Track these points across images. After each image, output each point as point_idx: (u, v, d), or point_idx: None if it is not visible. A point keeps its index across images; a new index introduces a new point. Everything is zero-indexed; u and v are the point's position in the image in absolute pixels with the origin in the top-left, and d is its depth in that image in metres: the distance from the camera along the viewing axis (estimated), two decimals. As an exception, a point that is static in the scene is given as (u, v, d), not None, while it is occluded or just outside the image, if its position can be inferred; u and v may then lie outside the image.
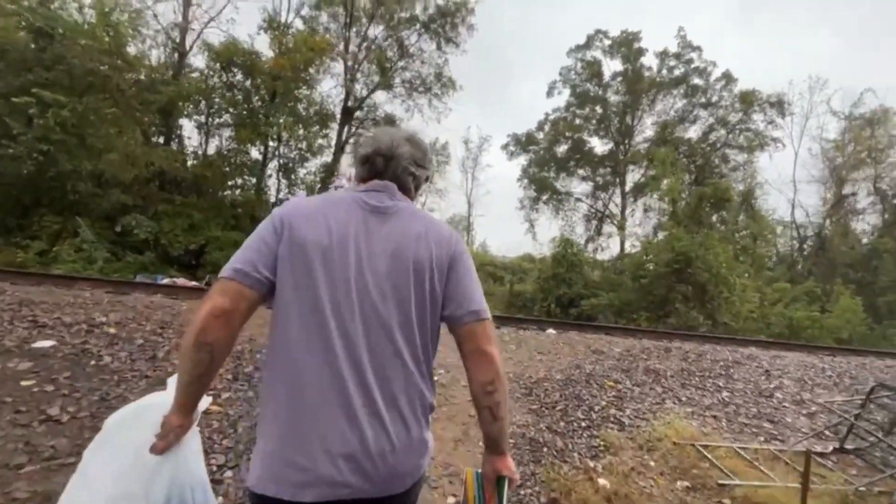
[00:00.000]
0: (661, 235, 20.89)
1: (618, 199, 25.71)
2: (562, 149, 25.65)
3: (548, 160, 24.78)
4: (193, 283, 11.25)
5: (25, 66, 11.62)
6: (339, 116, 18.90)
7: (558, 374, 5.06)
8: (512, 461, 1.20)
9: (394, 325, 1.08)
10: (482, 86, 55.27)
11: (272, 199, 16.88)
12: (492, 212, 61.80)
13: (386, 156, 1.24)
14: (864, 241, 21.76)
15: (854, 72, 43.49)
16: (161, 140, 15.75)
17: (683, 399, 4.92)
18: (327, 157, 18.59)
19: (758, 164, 21.83)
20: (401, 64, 19.05)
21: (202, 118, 16.24)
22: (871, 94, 22.38)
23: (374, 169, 1.25)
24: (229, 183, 16.38)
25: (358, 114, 19.39)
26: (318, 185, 17.82)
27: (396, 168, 1.24)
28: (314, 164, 18.37)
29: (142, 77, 14.29)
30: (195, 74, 15.94)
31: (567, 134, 24.97)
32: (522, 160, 25.81)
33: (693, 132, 23.44)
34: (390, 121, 19.28)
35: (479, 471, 1.23)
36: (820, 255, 20.25)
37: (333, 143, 18.86)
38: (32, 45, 11.81)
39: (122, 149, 12.71)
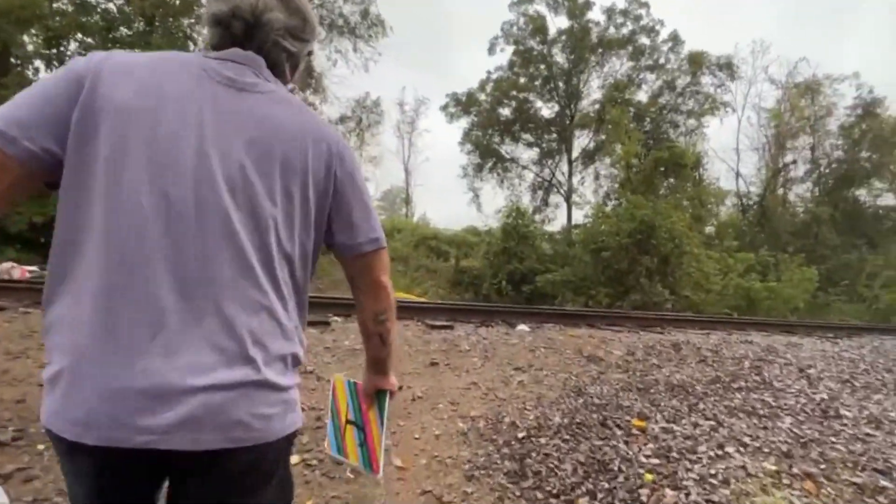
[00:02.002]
0: (611, 205, 19.95)
1: (565, 167, 24.57)
2: (506, 111, 23.87)
3: (491, 123, 22.88)
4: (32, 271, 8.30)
5: None
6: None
7: (556, 414, 3.18)
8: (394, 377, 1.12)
9: (245, 239, 0.79)
10: (418, 48, 52.05)
11: None
12: (432, 182, 59.42)
13: (247, 21, 0.88)
14: (802, 209, 22.18)
15: (791, 41, 45.27)
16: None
17: (745, 439, 3.23)
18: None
19: (708, 129, 21.28)
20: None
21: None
22: (805, 64, 22.55)
23: (229, 35, 0.90)
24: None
25: None
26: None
27: (264, 40, 0.91)
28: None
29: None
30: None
31: (511, 94, 23.14)
32: (464, 123, 23.82)
33: (642, 95, 22.49)
34: (307, 68, 16.31)
35: (352, 380, 1.16)
36: (764, 225, 20.26)
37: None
38: None
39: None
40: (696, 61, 21.39)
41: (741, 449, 3.10)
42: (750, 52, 26.58)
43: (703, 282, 14.37)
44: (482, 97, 23.76)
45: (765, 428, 3.46)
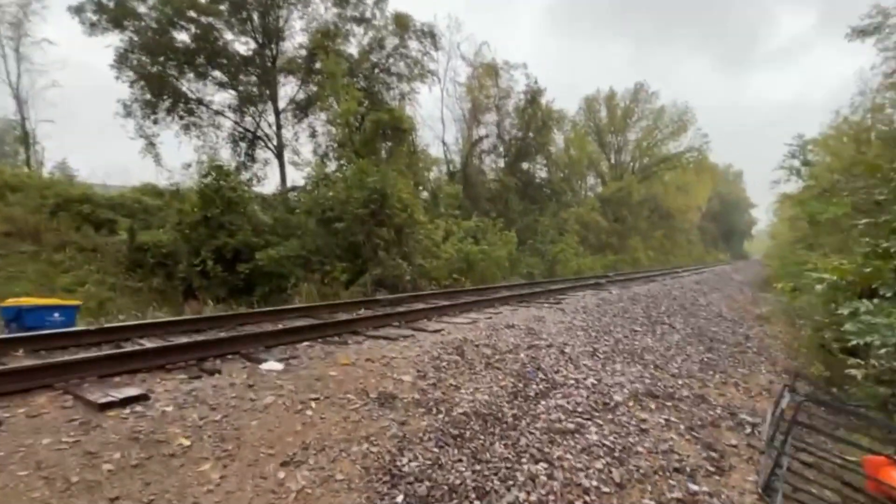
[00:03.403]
0: (332, 166, 19.16)
1: (271, 118, 22.12)
2: (183, 37, 19.16)
3: (162, 48, 18.01)
4: None
5: None
6: None
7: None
8: None
9: None
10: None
11: None
12: (72, 120, 44.58)
13: None
14: (492, 178, 26.79)
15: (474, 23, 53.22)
16: None
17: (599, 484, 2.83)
18: None
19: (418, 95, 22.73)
20: None
21: None
22: (486, 47, 26.92)
23: None
24: None
25: None
26: None
27: None
28: None
29: None
30: None
31: (189, 14, 18.73)
32: (116, 40, 17.76)
33: (352, 50, 22.06)
34: None
35: None
36: (468, 192, 23.48)
37: None
38: None
39: None
40: (402, 23, 22.18)
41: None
42: (446, 26, 29.79)
43: (433, 249, 15.40)
44: (143, 9, 18.24)
45: (582, 450, 3.22)
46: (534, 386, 3.83)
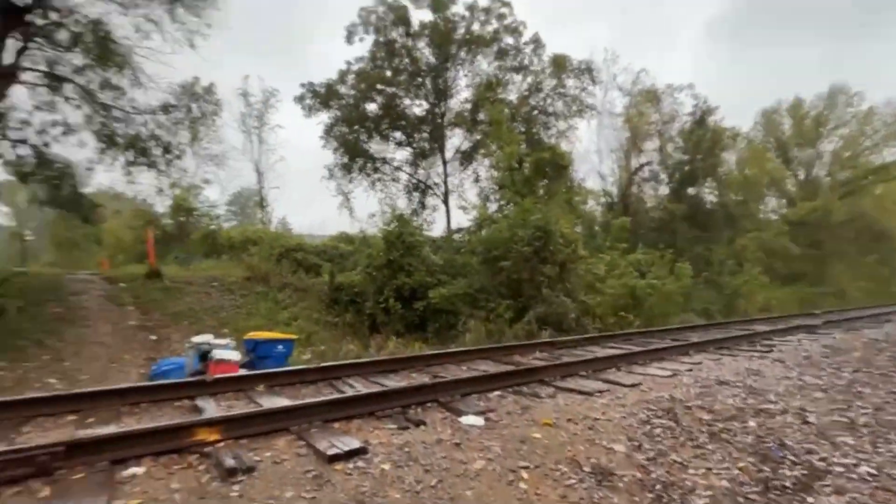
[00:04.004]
0: (493, 208, 19.46)
1: (440, 168, 23.60)
2: (372, 107, 21.97)
3: (357, 119, 20.79)
4: None
5: None
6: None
7: None
8: None
9: None
10: (260, 34, 47.04)
11: None
12: (291, 185, 54.38)
13: None
14: (654, 206, 24.43)
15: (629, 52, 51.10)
16: None
17: None
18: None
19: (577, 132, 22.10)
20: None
21: None
22: (645, 74, 25.01)
23: None
24: None
25: (34, 19, 11.71)
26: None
27: None
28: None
29: None
30: None
31: (378, 87, 21.35)
32: (325, 118, 21.20)
33: (511, 96, 22.55)
34: (101, 33, 12.33)
35: None
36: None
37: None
38: None
39: None
40: (560, 64, 22.07)
41: None
42: (602, 60, 28.69)
43: (595, 284, 14.39)
44: (343, 90, 21.49)
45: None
46: (785, 471, 2.93)
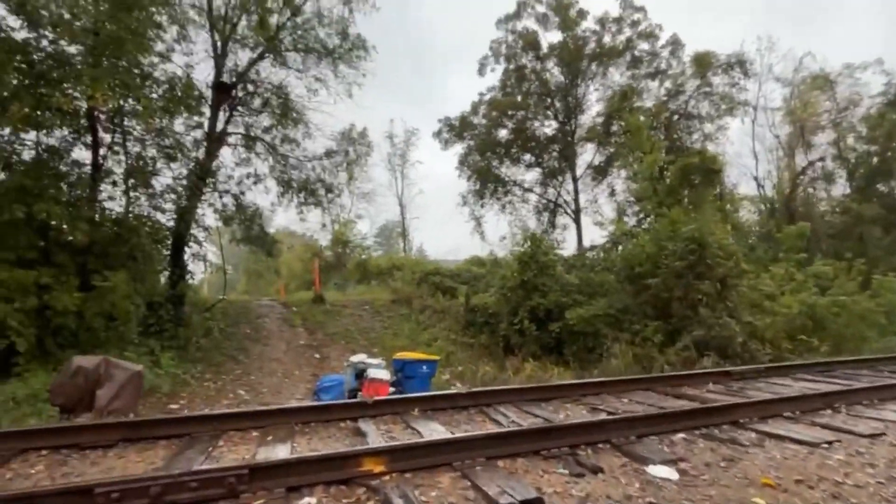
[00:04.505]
0: (632, 221, 17.83)
1: (570, 186, 22.59)
2: (503, 133, 22.10)
3: (489, 146, 21.01)
4: None
5: None
6: (210, 97, 13.55)
7: None
8: None
9: None
10: (401, 79, 51.06)
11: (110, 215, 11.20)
12: (426, 214, 57.35)
13: None
14: (832, 209, 20.08)
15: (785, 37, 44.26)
16: None
17: None
18: (198, 153, 13.18)
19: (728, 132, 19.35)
20: (290, 22, 14.11)
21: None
22: (810, 59, 20.95)
23: None
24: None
25: (237, 93, 14.12)
26: (185, 196, 12.36)
27: None
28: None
29: None
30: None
31: (509, 113, 21.39)
32: (459, 149, 21.97)
33: (648, 103, 20.73)
34: (282, 96, 14.28)
35: None
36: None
37: (205, 133, 13.52)
38: None
39: None
40: (703, 62, 19.73)
41: None
42: (756, 49, 25.10)
43: (763, 303, 12.06)
44: (476, 120, 22.04)
45: None
46: None
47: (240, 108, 14.19)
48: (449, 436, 2.87)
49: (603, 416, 3.95)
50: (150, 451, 3.18)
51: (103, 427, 3.36)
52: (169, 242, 12.45)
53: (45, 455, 3.05)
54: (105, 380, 6.91)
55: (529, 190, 22.38)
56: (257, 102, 14.35)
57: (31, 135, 10.05)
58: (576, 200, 22.19)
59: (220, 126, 13.79)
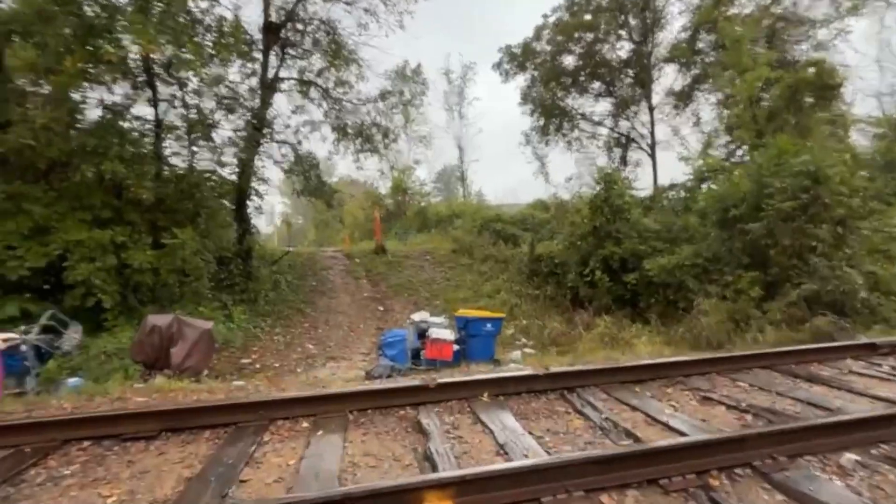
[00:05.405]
0: (715, 153, 15.58)
1: (645, 117, 20.11)
2: (570, 59, 19.70)
3: (554, 75, 18.85)
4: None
5: None
6: (260, 41, 12.93)
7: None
8: None
9: None
10: (458, 13, 47.59)
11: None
12: (484, 156, 55.22)
13: None
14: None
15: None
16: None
17: None
18: (253, 102, 12.81)
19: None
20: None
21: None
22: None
23: None
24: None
25: (286, 33, 13.35)
26: (242, 147, 12.17)
27: None
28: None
29: None
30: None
31: (576, 36, 18.90)
32: (521, 81, 19.95)
33: (747, 10, 17.30)
34: (331, 32, 13.36)
35: None
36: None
37: (258, 81, 13.05)
38: None
39: None
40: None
41: None
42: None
43: (887, 247, 10.08)
44: (539, 47, 19.76)
45: None
46: None
47: (290, 50, 13.49)
48: (536, 461, 2.22)
49: (724, 412, 3.11)
50: (192, 446, 2.84)
51: (146, 415, 3.07)
52: (232, 197, 12.49)
53: (85, 448, 2.80)
54: (178, 338, 7.00)
55: (599, 123, 20.21)
56: (307, 42, 13.57)
57: (95, 93, 10.09)
58: (651, 133, 19.83)
59: (272, 72, 13.26)
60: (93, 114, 10.15)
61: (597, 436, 2.97)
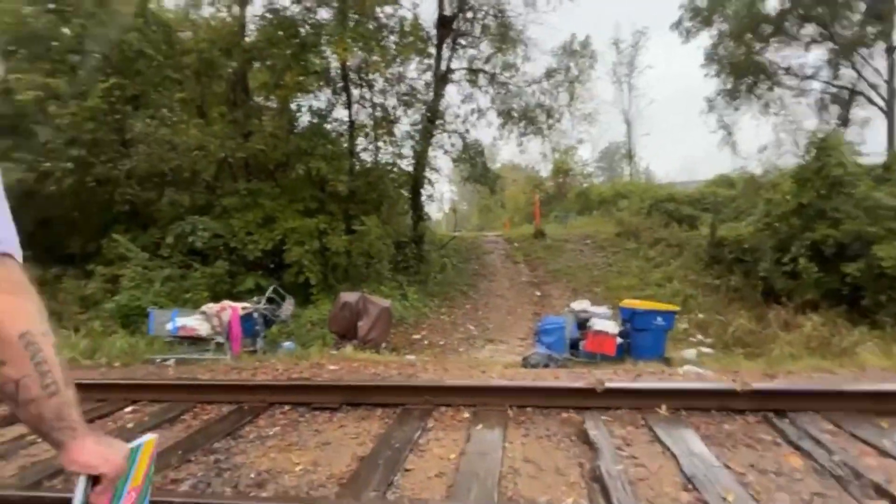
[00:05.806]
0: None
1: (879, 63, 15.04)
2: (772, 3, 15.74)
3: (750, 25, 15.30)
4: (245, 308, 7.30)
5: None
6: (434, 35, 13.35)
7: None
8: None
9: None
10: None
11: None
12: (656, 129, 49.01)
13: None
14: None
15: None
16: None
17: None
18: (427, 96, 13.44)
19: None
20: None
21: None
22: None
23: None
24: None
25: (458, 23, 13.57)
26: (418, 139, 12.99)
27: None
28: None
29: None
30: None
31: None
32: (706, 39, 16.70)
33: None
34: (500, 15, 13.15)
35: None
36: None
37: (432, 75, 13.61)
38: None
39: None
40: None
41: None
42: None
43: None
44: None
45: None
46: None
47: (461, 40, 13.77)
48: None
49: None
50: (366, 423, 2.99)
51: (331, 388, 3.37)
52: (408, 186, 13.46)
53: (286, 413, 3.18)
54: (363, 313, 7.81)
55: (810, 77, 15.86)
56: (477, 30, 13.68)
57: (305, 101, 11.86)
58: (888, 81, 14.82)
59: (444, 64, 13.71)
60: (303, 119, 12.01)
61: (827, 485, 2.17)
